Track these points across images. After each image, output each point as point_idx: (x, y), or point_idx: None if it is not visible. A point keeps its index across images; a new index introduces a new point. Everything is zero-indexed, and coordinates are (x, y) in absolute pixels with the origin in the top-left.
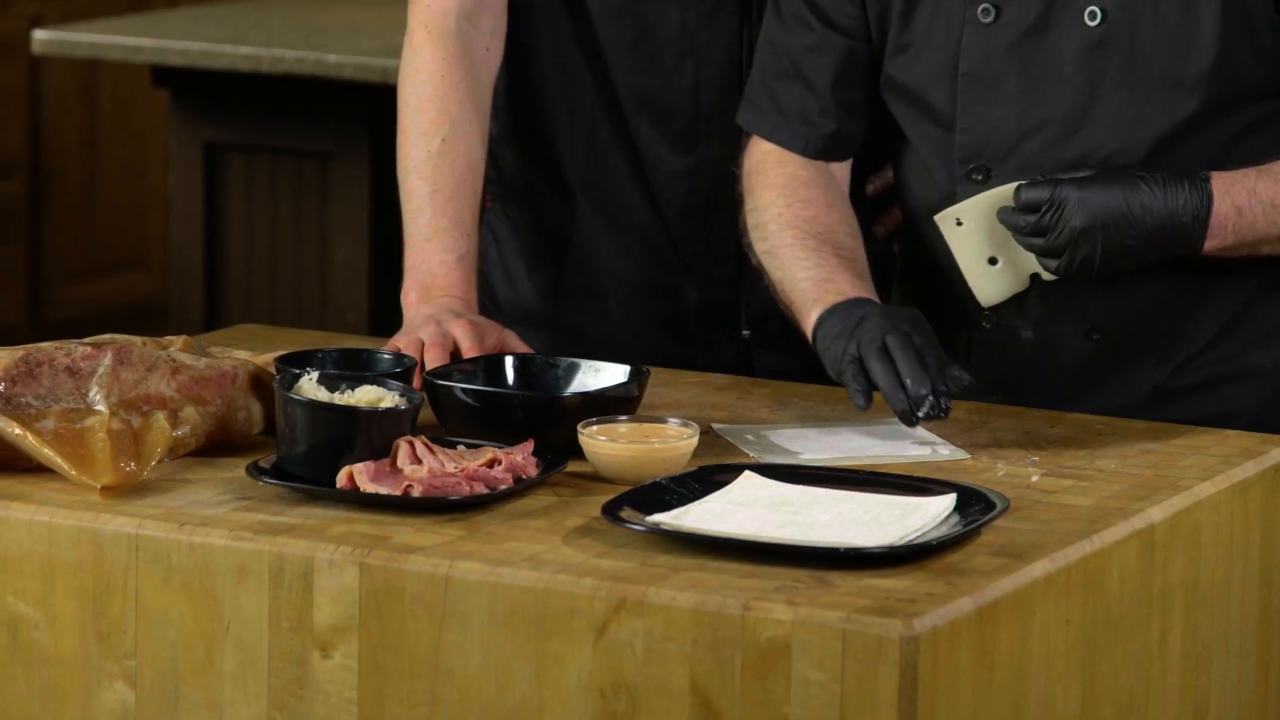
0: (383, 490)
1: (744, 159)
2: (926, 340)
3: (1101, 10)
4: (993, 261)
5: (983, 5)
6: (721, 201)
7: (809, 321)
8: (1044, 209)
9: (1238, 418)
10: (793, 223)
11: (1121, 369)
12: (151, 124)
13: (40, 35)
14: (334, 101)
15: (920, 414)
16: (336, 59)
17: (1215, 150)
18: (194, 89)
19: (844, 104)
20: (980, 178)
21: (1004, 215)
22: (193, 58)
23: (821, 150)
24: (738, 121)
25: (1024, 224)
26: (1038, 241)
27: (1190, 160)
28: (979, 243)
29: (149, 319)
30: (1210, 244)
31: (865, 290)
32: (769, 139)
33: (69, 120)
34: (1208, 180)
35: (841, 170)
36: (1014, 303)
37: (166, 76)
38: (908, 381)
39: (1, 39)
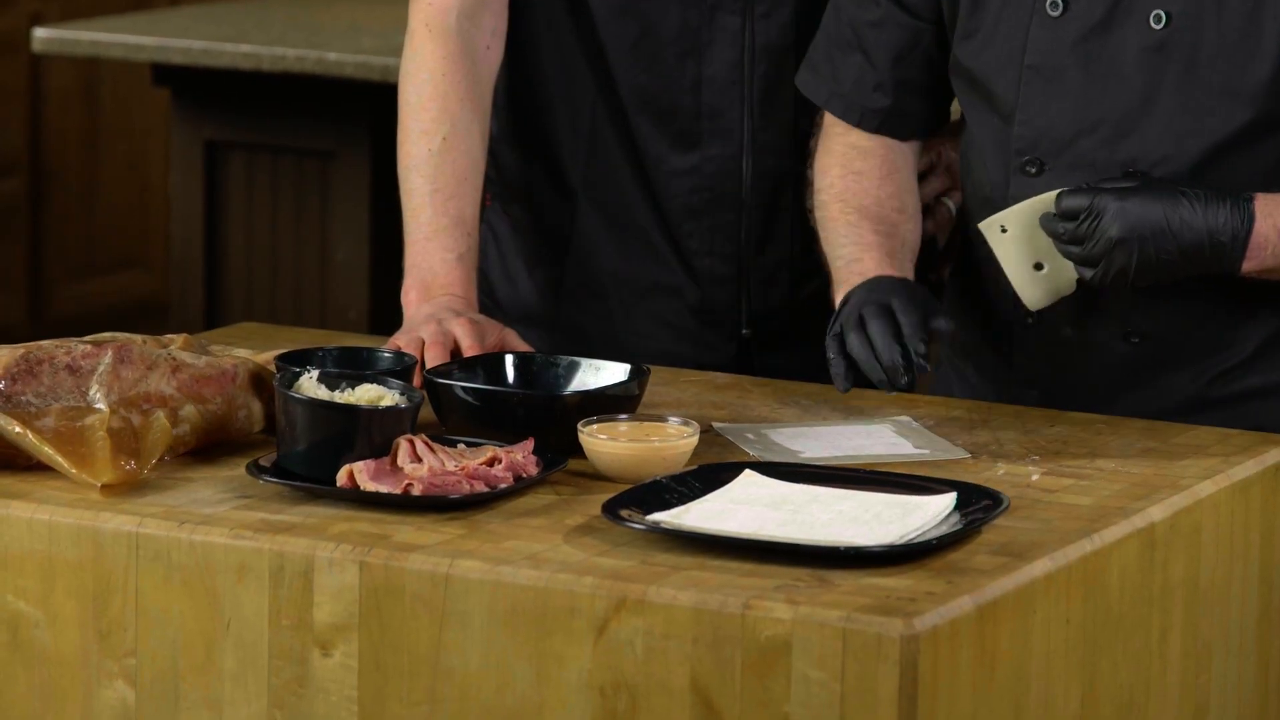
0: (383, 489)
1: (816, 120)
2: (906, 303)
3: (1166, 14)
4: (1038, 267)
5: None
6: (721, 200)
7: (837, 304)
8: (1082, 217)
9: (1270, 433)
10: (842, 195)
11: (1159, 374)
12: (152, 122)
13: (41, 34)
14: (335, 100)
15: (901, 382)
16: (337, 57)
17: (1266, 166)
18: (195, 87)
19: (902, 82)
20: (1034, 170)
21: (1045, 221)
22: (193, 56)
23: (877, 125)
24: (795, 82)
25: (1063, 230)
26: (1075, 249)
27: (1239, 175)
28: (1024, 248)
29: (149, 317)
30: (1249, 265)
31: (893, 269)
32: (824, 106)
33: (69, 119)
34: (1251, 200)
35: (909, 148)
36: (1057, 301)
37: (167, 75)
38: (879, 349)
39: (2, 37)
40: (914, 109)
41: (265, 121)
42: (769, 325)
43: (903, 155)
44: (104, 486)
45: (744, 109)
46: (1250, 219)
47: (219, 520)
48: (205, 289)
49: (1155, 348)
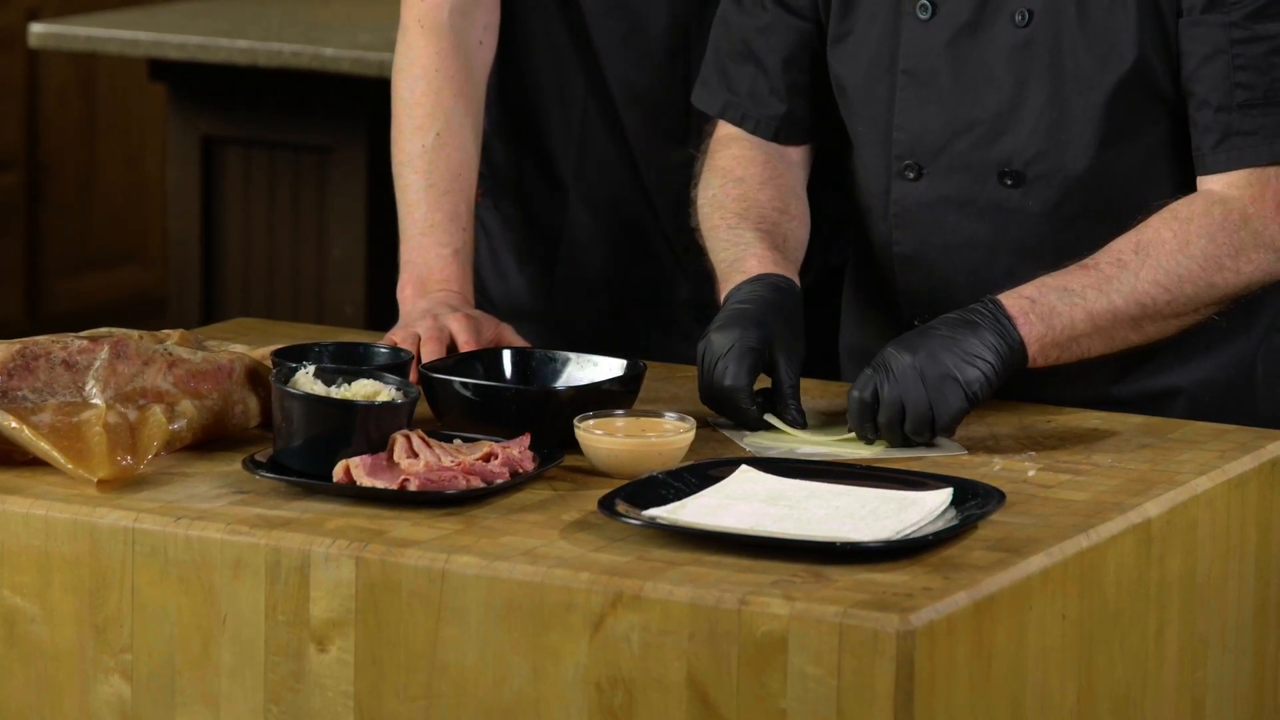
0: (379, 484)
1: (703, 143)
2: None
3: (1029, 12)
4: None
5: (920, 2)
6: None
7: (721, 301)
8: (869, 415)
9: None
10: (721, 202)
11: (1057, 371)
12: (149, 118)
13: (37, 29)
14: (331, 96)
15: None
16: (334, 53)
17: (1140, 157)
18: (191, 83)
19: (795, 85)
20: (913, 175)
21: (861, 427)
22: (190, 51)
23: (773, 132)
24: (692, 101)
25: (882, 420)
26: (895, 435)
27: (1117, 167)
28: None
29: (146, 312)
30: (1026, 331)
31: (776, 266)
32: (719, 116)
33: (66, 114)
34: (989, 298)
35: (798, 154)
36: (945, 299)
37: (164, 70)
38: (728, 412)
39: None
40: (806, 113)
41: (262, 117)
42: None
43: (788, 162)
44: (100, 482)
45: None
46: (994, 301)
47: (215, 515)
48: (202, 284)
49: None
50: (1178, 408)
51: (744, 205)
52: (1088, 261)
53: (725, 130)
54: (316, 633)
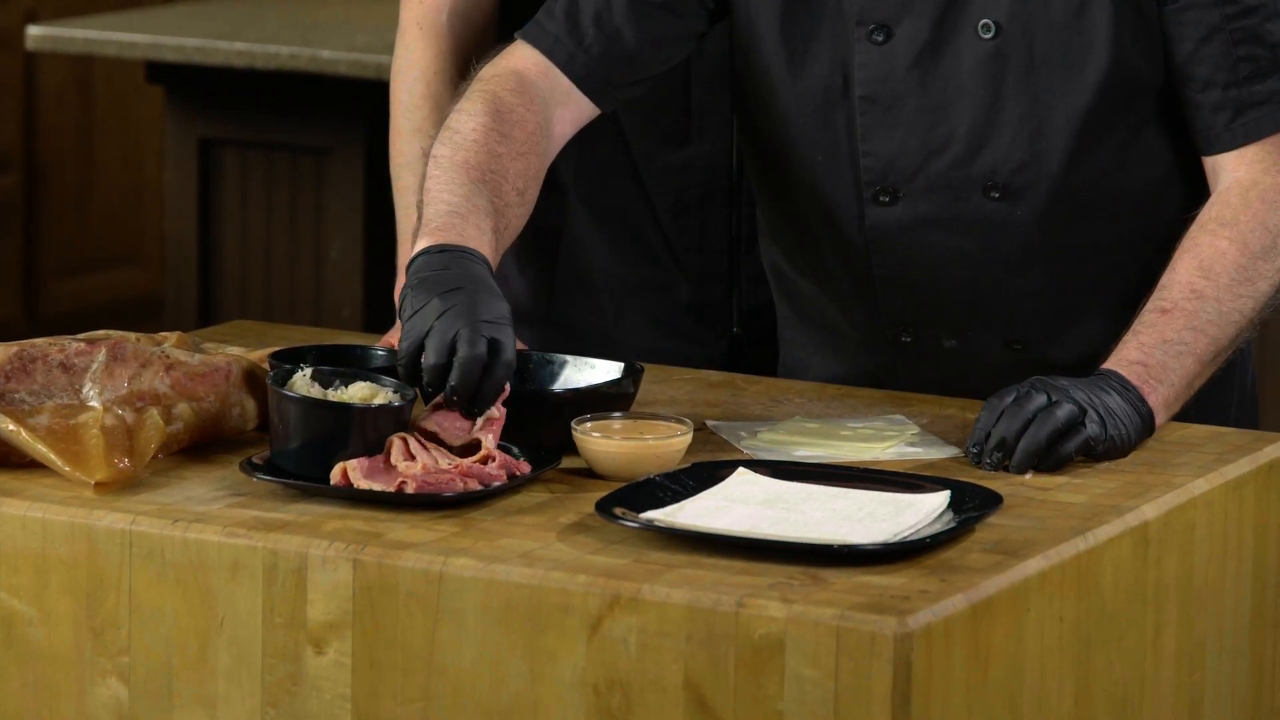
0: (376, 487)
1: (488, 66)
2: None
3: (994, 23)
4: None
5: (871, 27)
6: (713, 197)
7: (415, 246)
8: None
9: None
10: (475, 146)
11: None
12: (146, 120)
13: (35, 31)
14: (328, 97)
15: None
16: (331, 55)
17: (1123, 155)
18: (189, 85)
19: (641, 61)
20: (887, 200)
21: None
22: (187, 54)
23: (590, 85)
24: (518, 35)
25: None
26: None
27: (1098, 167)
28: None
29: (143, 315)
30: (1152, 400)
31: (485, 246)
32: (544, 51)
33: (64, 116)
34: (1103, 372)
35: (569, 123)
36: (937, 316)
37: (161, 72)
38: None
39: None
40: (640, 90)
41: (259, 119)
42: (760, 322)
43: (552, 132)
44: (97, 484)
45: (733, 106)
46: (1114, 374)
47: (212, 518)
48: (199, 286)
49: (1036, 354)
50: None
51: (491, 171)
52: (1165, 305)
53: (516, 63)
54: (314, 635)
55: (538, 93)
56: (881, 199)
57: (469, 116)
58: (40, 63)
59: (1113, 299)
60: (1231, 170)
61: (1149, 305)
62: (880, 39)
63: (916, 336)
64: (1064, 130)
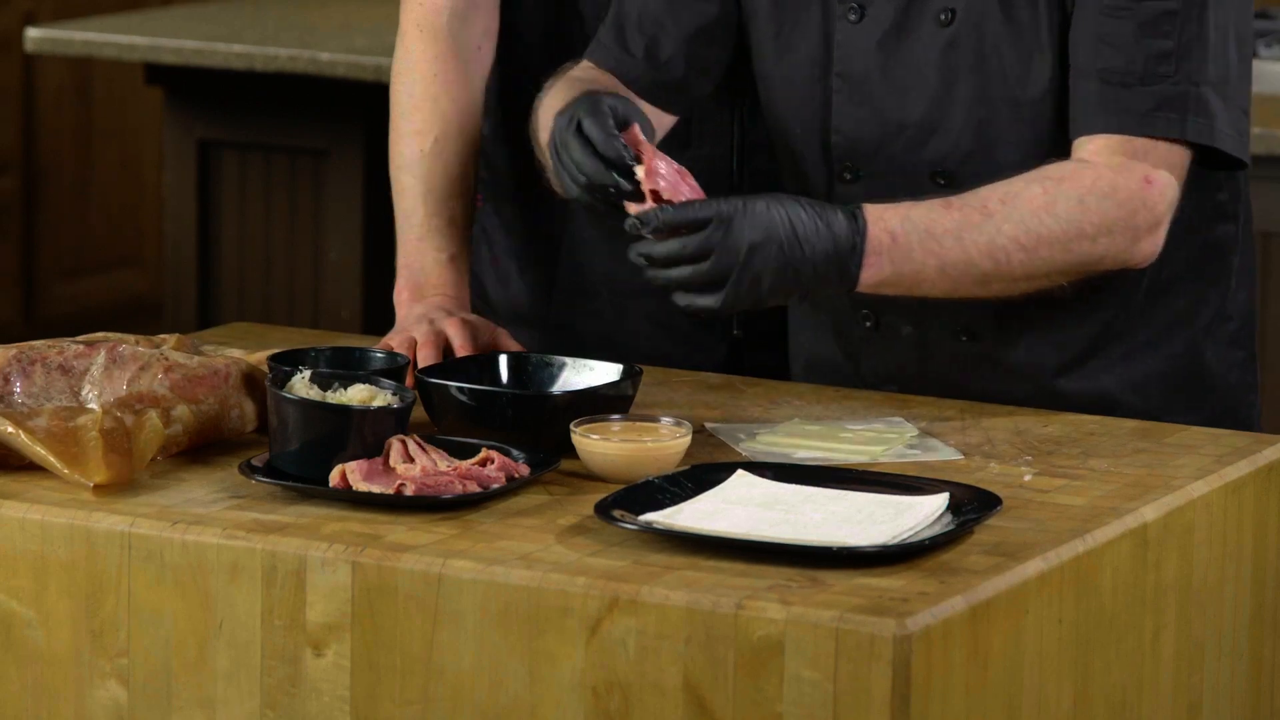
0: (375, 489)
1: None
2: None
3: (951, 11)
4: None
5: (850, 5)
6: None
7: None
8: (712, 226)
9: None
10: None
11: (997, 369)
12: (145, 122)
13: (34, 33)
14: (327, 99)
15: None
16: (330, 57)
17: (1060, 150)
18: (187, 87)
19: (694, 59)
20: (850, 177)
21: (641, 249)
22: (186, 55)
23: (650, 92)
24: (584, 57)
25: (684, 246)
26: (703, 266)
27: (1041, 157)
28: None
29: (142, 317)
30: (866, 273)
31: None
32: (606, 68)
33: (63, 118)
34: (860, 209)
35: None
36: (893, 301)
37: (160, 74)
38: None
39: None
40: (695, 87)
41: (258, 121)
42: (760, 325)
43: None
44: (96, 486)
45: (734, 109)
46: (863, 224)
47: (211, 520)
48: (198, 288)
49: (988, 346)
50: (1125, 404)
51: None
52: (955, 201)
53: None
54: (313, 637)
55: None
56: (845, 176)
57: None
58: (39, 65)
59: (1054, 298)
60: (1087, 148)
61: (944, 195)
62: (854, 18)
63: (877, 321)
64: (1010, 123)
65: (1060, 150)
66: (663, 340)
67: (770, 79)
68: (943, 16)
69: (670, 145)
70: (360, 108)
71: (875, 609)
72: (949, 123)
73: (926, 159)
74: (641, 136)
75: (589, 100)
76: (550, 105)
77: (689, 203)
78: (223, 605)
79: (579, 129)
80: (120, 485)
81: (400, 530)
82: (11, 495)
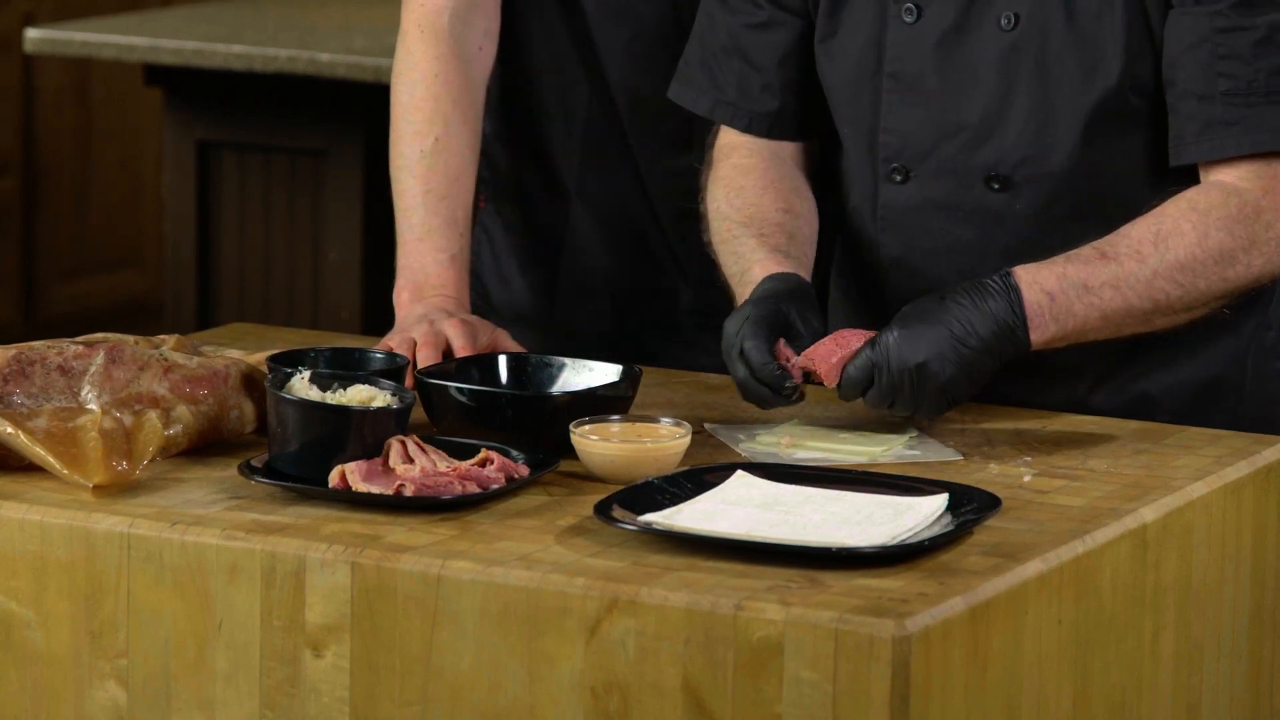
0: (375, 489)
1: (707, 153)
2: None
3: (1015, 15)
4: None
5: (906, 4)
6: None
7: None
8: (875, 376)
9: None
10: (726, 214)
11: (1036, 375)
12: (144, 122)
13: (33, 34)
14: (327, 100)
15: (785, 394)
16: (329, 58)
17: (1130, 161)
18: (187, 87)
19: (789, 82)
20: (900, 179)
21: (850, 398)
22: (185, 56)
23: (766, 128)
24: (669, 96)
25: (874, 400)
26: (888, 410)
27: (1103, 171)
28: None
29: (142, 317)
30: (1034, 336)
31: (780, 265)
32: (709, 115)
33: (62, 119)
34: (1009, 274)
35: (797, 151)
36: None
37: (159, 75)
38: (755, 366)
39: None
40: (801, 108)
41: (257, 121)
42: None
43: (787, 161)
44: (96, 487)
45: None
46: (1015, 290)
47: (211, 521)
48: (198, 289)
49: (1028, 355)
50: (1164, 409)
51: (746, 215)
52: (1107, 249)
53: (725, 139)
54: (312, 638)
55: (757, 149)
56: (895, 177)
57: (712, 199)
58: (38, 65)
59: None
60: (1218, 172)
61: (1095, 243)
62: (910, 18)
63: None
64: (1068, 130)
65: (1113, 149)
66: (664, 342)
67: (824, 81)
68: (1004, 21)
69: (672, 147)
70: (360, 108)
71: (874, 610)
72: (1006, 127)
73: (980, 162)
74: (789, 353)
75: (753, 319)
76: (716, 229)
77: (841, 376)
78: (222, 606)
79: (742, 351)
80: (119, 486)
81: (400, 531)
82: (11, 496)
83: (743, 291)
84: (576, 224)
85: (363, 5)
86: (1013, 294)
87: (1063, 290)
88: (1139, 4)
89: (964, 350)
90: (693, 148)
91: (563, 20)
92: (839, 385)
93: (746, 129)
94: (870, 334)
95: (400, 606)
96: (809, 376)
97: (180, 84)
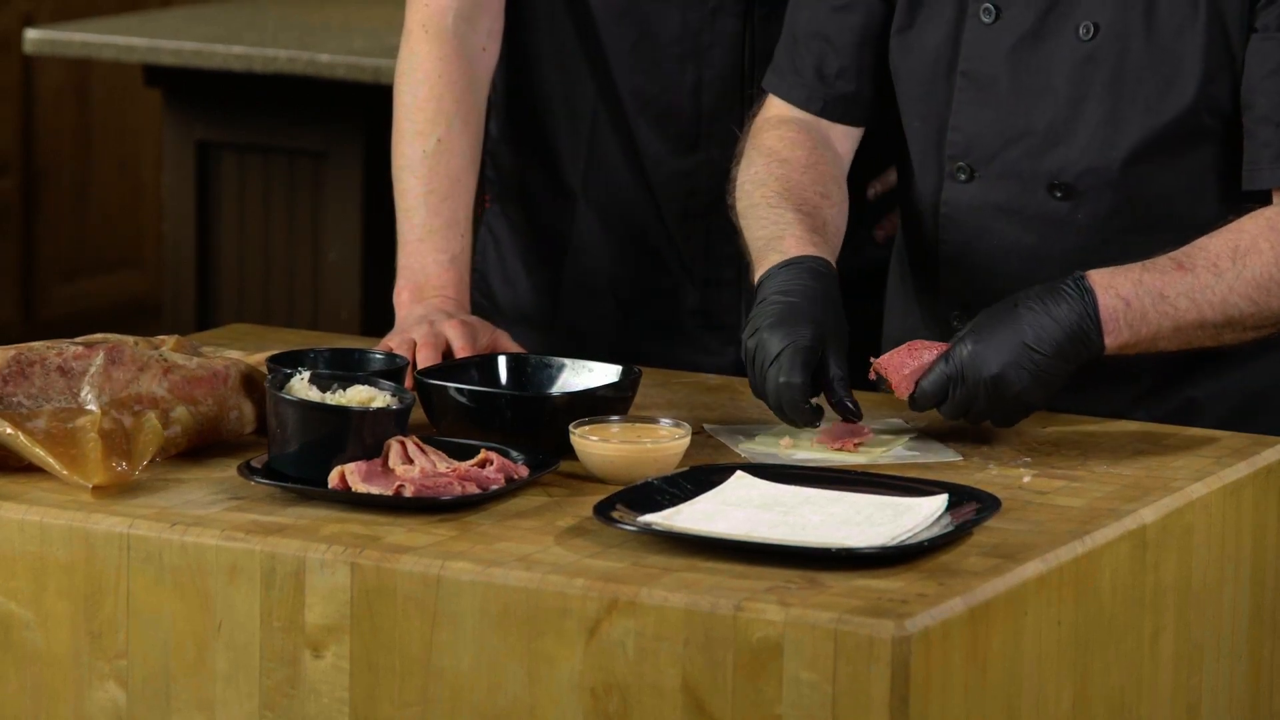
0: (374, 490)
1: (748, 124)
2: (808, 349)
3: (1095, 25)
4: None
5: (985, 4)
6: (721, 203)
7: (755, 283)
8: (950, 389)
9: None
10: (764, 181)
11: (1083, 385)
12: (144, 123)
13: (33, 34)
14: (326, 101)
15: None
16: (329, 58)
17: (1188, 179)
18: (186, 88)
19: (865, 67)
20: (964, 177)
21: (927, 407)
22: (185, 57)
23: (829, 109)
24: (762, 85)
25: (949, 412)
26: (965, 420)
27: (1160, 187)
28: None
29: (141, 318)
30: (1109, 340)
31: (814, 248)
32: (780, 95)
33: (62, 119)
34: (1083, 278)
35: (843, 139)
36: (988, 303)
37: (159, 75)
38: (784, 404)
39: None
40: (873, 94)
41: (257, 122)
42: None
43: (832, 149)
44: (95, 488)
45: (743, 112)
46: (1090, 294)
47: (210, 521)
48: (197, 289)
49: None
50: (1209, 415)
51: (786, 185)
52: (1184, 260)
53: (774, 111)
54: (312, 639)
55: (803, 128)
56: (960, 176)
57: (750, 165)
58: (38, 66)
59: None
60: None
61: (1172, 253)
62: (989, 18)
63: (964, 323)
64: (1138, 144)
65: (1180, 166)
66: (669, 343)
67: (895, 72)
68: (1083, 30)
69: (677, 148)
70: (359, 109)
71: (874, 610)
72: (1074, 136)
73: (1046, 168)
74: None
75: (789, 353)
76: (749, 192)
77: (915, 389)
78: (222, 607)
79: (781, 383)
80: (119, 487)
81: (399, 532)
82: (10, 497)
83: (768, 258)
84: (581, 225)
85: (363, 5)
86: (1087, 297)
87: (1138, 297)
88: (1221, 25)
89: (1038, 357)
90: (698, 149)
91: (569, 21)
92: (912, 397)
93: (808, 106)
94: (943, 346)
95: (400, 607)
96: (880, 383)
97: (180, 84)
